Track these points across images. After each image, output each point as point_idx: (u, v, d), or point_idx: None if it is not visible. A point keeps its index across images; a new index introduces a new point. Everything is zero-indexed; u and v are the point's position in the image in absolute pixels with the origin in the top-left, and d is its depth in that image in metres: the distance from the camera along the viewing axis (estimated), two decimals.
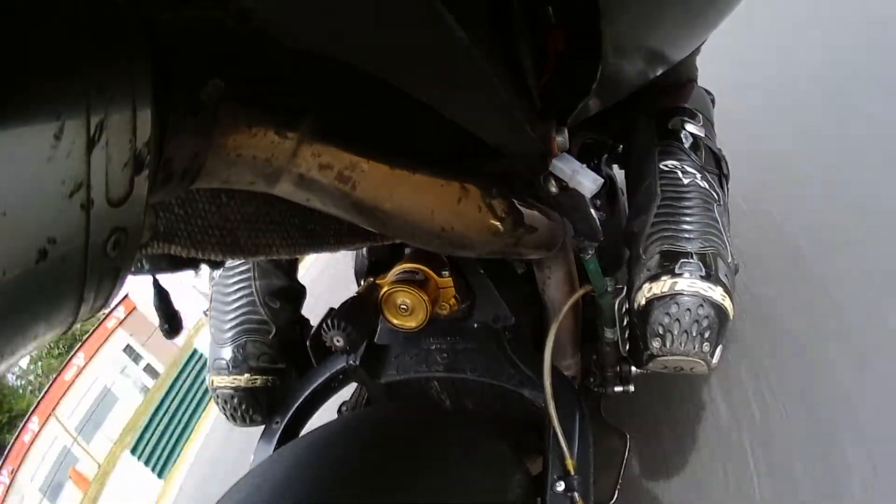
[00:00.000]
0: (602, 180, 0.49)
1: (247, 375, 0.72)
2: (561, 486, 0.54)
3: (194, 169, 0.28)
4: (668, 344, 0.60)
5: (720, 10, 0.57)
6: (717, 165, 0.77)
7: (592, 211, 0.57)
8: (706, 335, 0.59)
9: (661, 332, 0.60)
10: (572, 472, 0.54)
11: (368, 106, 0.38)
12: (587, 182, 0.49)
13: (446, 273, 0.62)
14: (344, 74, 0.32)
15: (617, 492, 0.75)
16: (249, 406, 0.72)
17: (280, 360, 0.74)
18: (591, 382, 0.79)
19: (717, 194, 0.72)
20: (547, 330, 0.63)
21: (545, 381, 0.58)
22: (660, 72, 0.59)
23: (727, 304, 0.61)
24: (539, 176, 0.50)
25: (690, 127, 0.78)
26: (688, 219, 0.67)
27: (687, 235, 0.66)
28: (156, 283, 0.56)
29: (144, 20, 0.22)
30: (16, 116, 0.16)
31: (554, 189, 0.50)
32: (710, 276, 0.61)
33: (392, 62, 0.28)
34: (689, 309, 0.59)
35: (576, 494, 0.53)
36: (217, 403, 0.74)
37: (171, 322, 0.59)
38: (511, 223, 0.48)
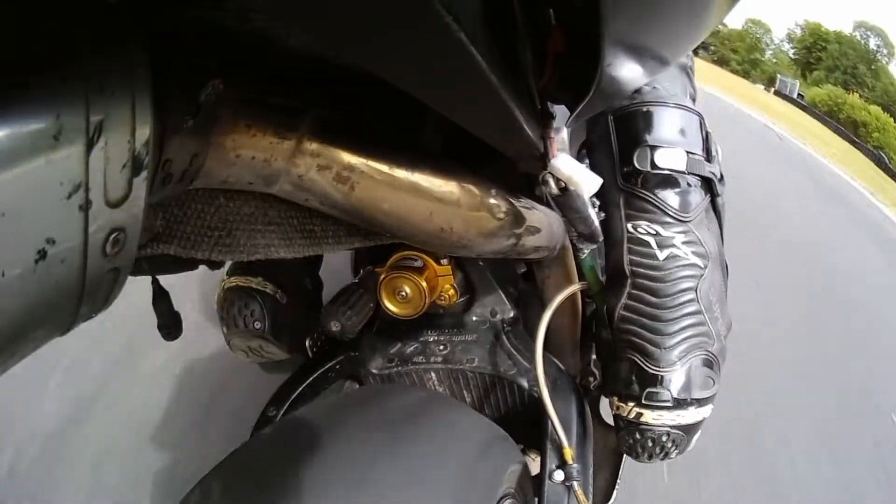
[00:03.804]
0: (601, 180, 0.49)
1: (259, 278, 0.71)
2: (560, 476, 0.53)
3: (193, 169, 0.28)
4: (633, 456, 0.61)
5: (720, 8, 0.57)
6: (707, 189, 0.63)
7: (592, 211, 0.57)
8: (672, 454, 0.59)
9: (626, 447, 0.61)
10: (571, 462, 0.53)
11: (368, 106, 0.38)
12: (586, 182, 0.49)
13: (445, 261, 0.62)
14: (344, 74, 0.32)
15: (616, 492, 0.75)
16: (254, 310, 0.70)
17: (293, 287, 0.73)
18: (590, 383, 0.79)
19: (705, 253, 0.60)
20: (540, 320, 0.63)
21: (537, 367, 0.57)
22: (662, 70, 0.58)
23: (700, 415, 0.59)
24: (539, 176, 0.50)
25: (663, 157, 0.61)
26: (664, 315, 0.58)
27: (661, 345, 0.58)
28: (155, 283, 0.56)
29: (144, 21, 0.22)
30: (14, 117, 0.16)
31: (553, 189, 0.50)
32: (680, 402, 0.57)
33: (391, 62, 0.28)
34: (652, 438, 0.58)
35: (575, 484, 0.52)
36: (221, 308, 0.73)
37: (170, 323, 0.59)
38: (511, 224, 0.48)
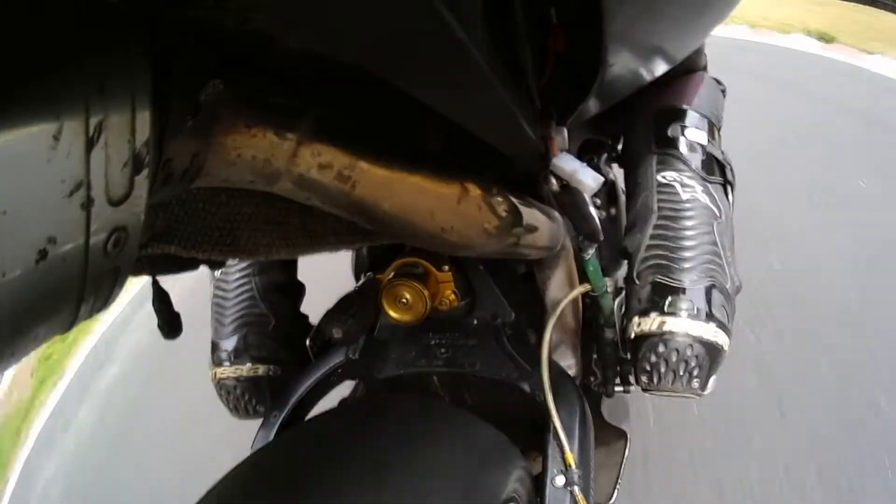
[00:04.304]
0: (602, 179, 0.49)
1: (248, 365, 0.72)
2: (561, 481, 0.54)
3: (194, 169, 0.28)
4: (655, 381, 0.60)
5: (721, 8, 0.57)
6: (721, 173, 0.73)
7: (593, 210, 0.57)
8: (695, 373, 0.59)
9: (648, 369, 0.60)
10: (573, 466, 0.54)
11: (368, 106, 0.38)
12: (588, 181, 0.49)
13: (446, 267, 0.62)
14: (344, 74, 0.32)
15: (617, 491, 0.75)
16: (252, 396, 0.72)
17: (282, 352, 0.74)
18: (591, 382, 0.79)
19: (720, 209, 0.68)
20: (545, 325, 0.63)
21: (543, 374, 0.58)
22: (661, 72, 0.59)
23: (720, 338, 0.59)
24: (540, 176, 0.50)
25: (691, 133, 0.73)
26: (685, 243, 0.64)
27: (682, 265, 0.62)
28: (155, 284, 0.56)
29: (144, 20, 0.22)
30: (15, 117, 0.16)
31: (555, 188, 0.50)
32: (702, 314, 0.59)
33: (391, 62, 0.28)
34: (677, 349, 0.58)
35: (576, 488, 0.53)
36: (220, 395, 0.74)
37: (170, 323, 0.59)
38: (511, 223, 0.48)
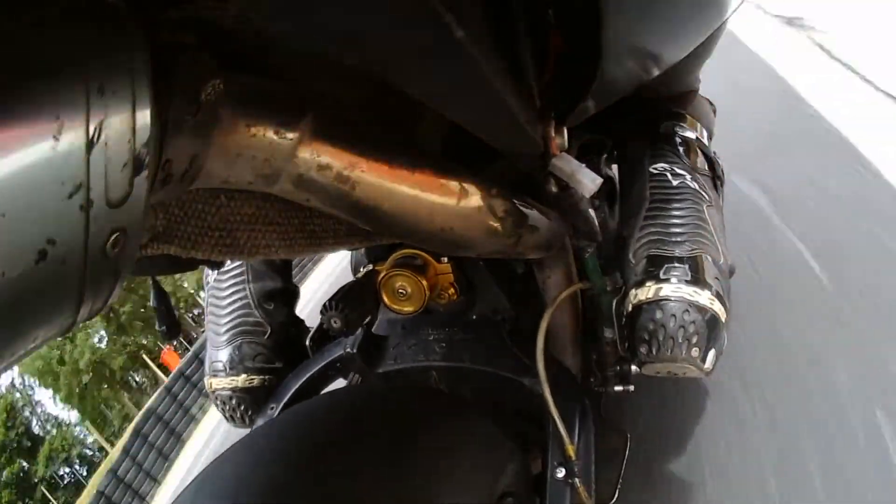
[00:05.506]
0: (601, 180, 0.49)
1: (244, 376, 0.73)
2: (561, 473, 0.53)
3: (194, 169, 0.28)
4: (654, 350, 0.59)
5: (719, 10, 0.57)
6: (710, 168, 0.76)
7: (592, 210, 0.57)
8: (693, 340, 0.58)
9: (646, 338, 0.60)
10: (573, 458, 0.53)
11: (368, 106, 0.38)
12: (587, 181, 0.49)
13: (445, 259, 0.62)
14: (344, 74, 0.32)
15: (618, 491, 0.74)
16: (248, 406, 0.72)
17: (276, 360, 0.75)
18: (591, 382, 0.79)
19: (709, 195, 0.71)
20: (542, 317, 0.63)
21: (539, 366, 0.57)
22: (658, 72, 0.59)
23: (716, 307, 0.60)
24: (539, 176, 0.50)
25: (682, 130, 0.78)
26: (676, 221, 0.67)
27: (674, 238, 0.65)
28: (155, 284, 0.56)
29: (144, 20, 0.22)
30: (15, 117, 0.16)
31: (554, 189, 0.50)
32: (697, 280, 0.60)
33: (391, 62, 0.28)
34: (673, 315, 0.58)
35: (577, 480, 0.52)
36: (216, 406, 0.75)
37: (169, 325, 0.59)
38: (511, 223, 0.48)
